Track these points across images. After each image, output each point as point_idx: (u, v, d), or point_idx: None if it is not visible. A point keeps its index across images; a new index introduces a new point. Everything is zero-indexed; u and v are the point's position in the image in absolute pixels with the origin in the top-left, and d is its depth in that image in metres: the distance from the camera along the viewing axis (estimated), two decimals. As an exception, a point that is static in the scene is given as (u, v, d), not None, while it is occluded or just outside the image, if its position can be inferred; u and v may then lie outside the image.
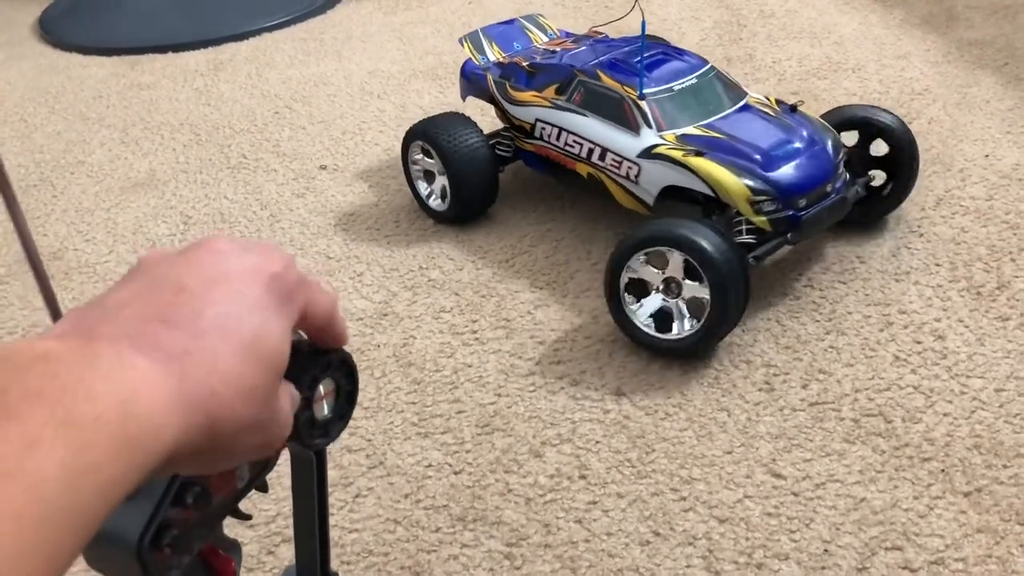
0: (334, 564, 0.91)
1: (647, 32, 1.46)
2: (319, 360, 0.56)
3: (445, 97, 1.89)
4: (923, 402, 1.06)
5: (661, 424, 1.07)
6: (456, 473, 1.03)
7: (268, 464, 0.60)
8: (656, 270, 1.14)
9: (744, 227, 1.19)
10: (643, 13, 1.29)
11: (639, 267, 1.15)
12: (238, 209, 1.57)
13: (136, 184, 1.68)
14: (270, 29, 2.31)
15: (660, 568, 0.91)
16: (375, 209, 1.54)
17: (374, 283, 1.36)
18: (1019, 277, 1.25)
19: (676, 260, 1.11)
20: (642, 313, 1.16)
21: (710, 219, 1.20)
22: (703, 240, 1.08)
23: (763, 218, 1.16)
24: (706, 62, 1.32)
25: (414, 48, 2.14)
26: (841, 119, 1.32)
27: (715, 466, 1.01)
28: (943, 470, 0.98)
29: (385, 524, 0.98)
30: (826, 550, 0.91)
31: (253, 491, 0.61)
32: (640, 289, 1.16)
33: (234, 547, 0.59)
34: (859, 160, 1.31)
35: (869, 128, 1.31)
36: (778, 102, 1.29)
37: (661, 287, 1.14)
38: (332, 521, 0.98)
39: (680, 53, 1.34)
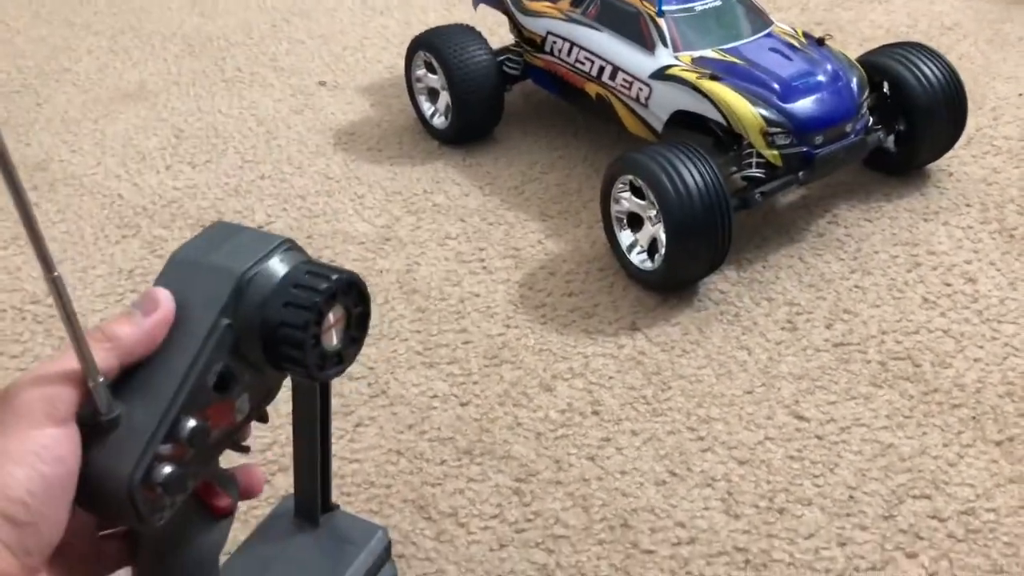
0: (334, 495, 0.87)
1: None
2: (321, 290, 0.50)
3: (451, 14, 1.80)
4: (953, 346, 1.02)
5: (678, 361, 1.02)
6: (463, 405, 0.98)
7: (270, 394, 0.54)
8: (642, 201, 1.08)
9: (754, 160, 1.13)
10: None
11: (626, 199, 1.10)
12: (232, 124, 1.49)
13: (125, 95, 1.60)
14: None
15: (676, 509, 0.87)
16: (377, 129, 1.46)
17: (376, 206, 1.29)
18: (1053, 221, 1.19)
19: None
20: (635, 246, 1.11)
21: (723, 151, 1.14)
22: (661, 172, 1.02)
23: (775, 152, 1.10)
24: None
25: (419, -37, 2.04)
26: (868, 64, 1.21)
27: (735, 406, 0.96)
28: (974, 417, 0.94)
29: (387, 455, 0.93)
30: (851, 496, 0.87)
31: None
32: (636, 221, 1.11)
33: (231, 482, 0.53)
34: (890, 108, 1.21)
35: (891, 80, 1.20)
36: (805, 35, 1.21)
37: (654, 217, 1.07)
38: (332, 451, 0.93)
39: None
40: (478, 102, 1.34)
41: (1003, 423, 0.93)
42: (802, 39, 1.20)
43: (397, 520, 0.87)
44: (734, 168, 1.15)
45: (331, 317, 0.52)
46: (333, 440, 0.94)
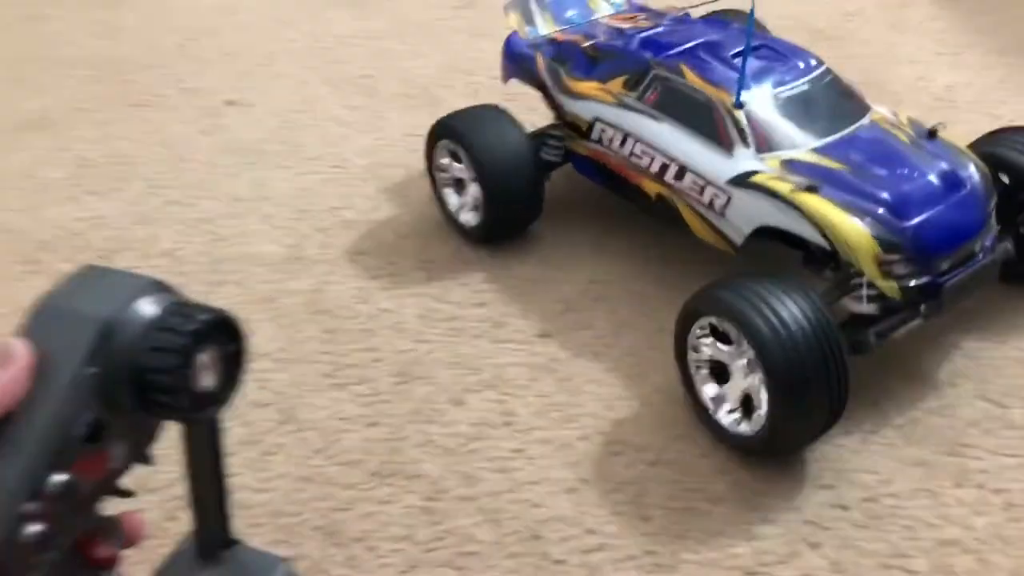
0: (241, 527, 0.85)
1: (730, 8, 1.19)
2: (188, 332, 0.49)
3: (361, 25, 1.78)
4: (856, 334, 1.03)
5: (588, 366, 1.02)
6: (372, 425, 0.97)
7: (148, 438, 0.53)
8: (728, 346, 0.87)
9: (865, 291, 0.90)
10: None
11: (707, 346, 0.89)
12: (139, 150, 1.46)
13: (28, 124, 1.56)
14: (174, -44, 2.15)
15: (586, 516, 0.87)
16: (286, 146, 1.44)
17: (285, 225, 1.27)
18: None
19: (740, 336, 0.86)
20: (723, 401, 0.90)
21: (817, 269, 0.96)
22: (756, 315, 0.81)
23: (893, 283, 0.88)
24: (820, 62, 1.03)
25: (329, -26, 2.02)
26: (989, 156, 0.99)
27: (644, 407, 0.97)
28: (875, 403, 0.95)
29: (296, 483, 0.92)
30: (758, 491, 0.87)
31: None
32: (723, 372, 0.89)
33: (114, 530, 0.52)
34: (1011, 207, 0.99)
35: (1005, 168, 0.99)
36: (911, 121, 1.00)
37: (745, 367, 0.86)
38: (238, 482, 0.91)
39: (787, 48, 1.03)
40: (513, 196, 1.14)
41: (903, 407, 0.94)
42: (909, 130, 0.98)
43: (307, 548, 0.86)
44: (838, 295, 0.92)
45: (204, 358, 0.51)
46: (241, 469, 0.93)
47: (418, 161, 1.26)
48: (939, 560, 0.81)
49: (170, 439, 0.51)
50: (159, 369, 0.49)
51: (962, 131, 1.34)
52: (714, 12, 1.25)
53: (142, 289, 0.53)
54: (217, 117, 1.53)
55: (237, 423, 0.97)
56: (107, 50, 1.77)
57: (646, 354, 1.03)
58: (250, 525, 0.88)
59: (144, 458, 0.55)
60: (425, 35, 1.73)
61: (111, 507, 0.50)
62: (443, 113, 1.20)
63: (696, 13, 1.24)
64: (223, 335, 0.55)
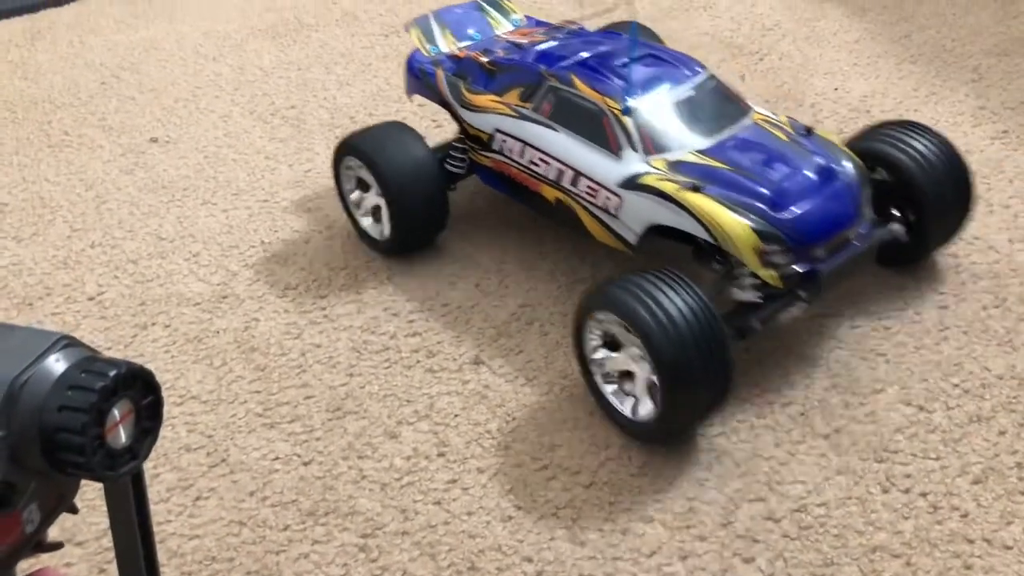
0: (174, 575, 0.83)
1: (626, 20, 1.23)
2: (97, 389, 0.48)
3: (286, 56, 1.77)
4: (777, 345, 1.05)
5: (521, 391, 1.03)
6: (306, 464, 0.96)
7: (63, 497, 0.51)
8: (620, 329, 0.92)
9: (748, 281, 0.95)
10: (636, 4, 1.12)
11: (597, 337, 0.94)
12: (60, 192, 1.43)
13: (-57, 171, 1.52)
14: (93, -9, 2.11)
15: (523, 544, 0.87)
16: (212, 182, 1.43)
17: (212, 263, 1.26)
18: (870, 210, 1.25)
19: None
20: (605, 370, 0.95)
21: (706, 263, 1.01)
22: (647, 315, 0.84)
23: (772, 272, 0.92)
24: (703, 68, 1.07)
25: (252, 5, 2.01)
26: (864, 150, 1.04)
27: (577, 430, 0.97)
28: (802, 413, 0.97)
29: (229, 527, 0.90)
30: (690, 508, 0.88)
31: (66, 513, 0.52)
32: (615, 343, 0.93)
33: None
34: (889, 196, 1.03)
35: (889, 165, 1.03)
36: (789, 120, 1.04)
37: (636, 357, 0.91)
38: (170, 529, 0.90)
39: (673, 57, 1.10)
40: (419, 209, 1.18)
41: (828, 415, 0.96)
42: (788, 128, 1.02)
43: (242, 594, 0.84)
44: (730, 290, 0.97)
45: (116, 413, 0.50)
46: (172, 516, 0.91)
47: (345, 192, 1.25)
48: (869, 567, 0.82)
49: (93, 489, 0.50)
50: (69, 428, 0.48)
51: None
52: (610, 25, 1.31)
53: (49, 346, 0.52)
54: (140, 155, 1.51)
55: (167, 468, 0.96)
56: (26, 90, 1.74)
57: (578, 377, 1.03)
58: (182, 573, 0.86)
59: (69, 508, 0.54)
60: (351, 64, 1.72)
61: (36, 562, 0.49)
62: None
63: (593, 26, 1.28)
64: (137, 388, 0.54)
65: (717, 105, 1.02)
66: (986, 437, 0.93)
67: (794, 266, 0.93)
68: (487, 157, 1.16)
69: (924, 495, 0.88)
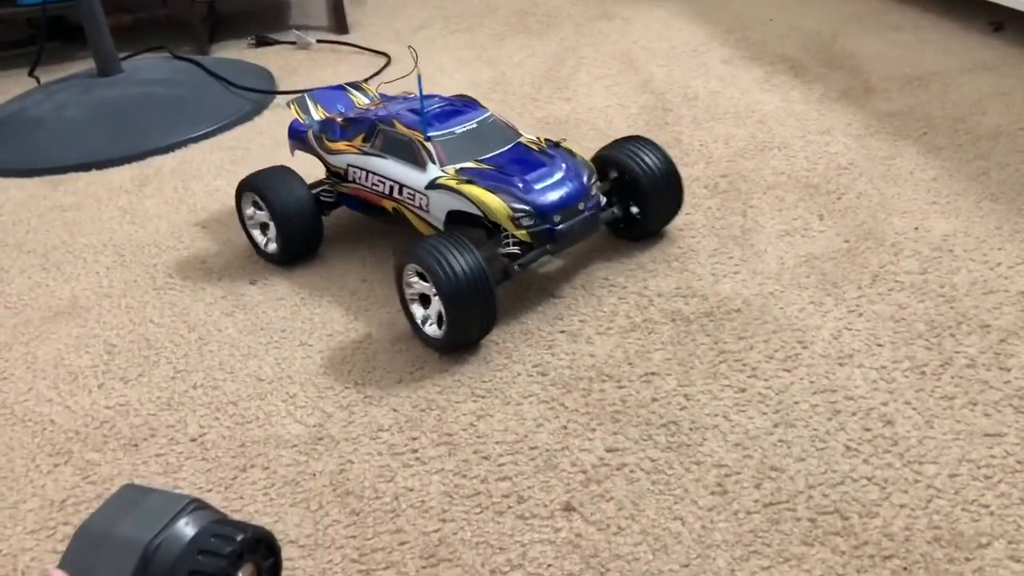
0: None
1: (463, 95, 1.70)
2: (226, 554, 0.51)
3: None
4: (878, 494, 1.04)
5: (614, 540, 1.03)
6: (401, 613, 0.97)
7: None
8: (427, 283, 1.33)
9: (511, 240, 1.39)
10: (419, 71, 1.55)
11: (416, 283, 1.35)
12: (164, 334, 1.51)
13: (57, 313, 1.62)
14: (196, 140, 2.28)
15: None
16: (308, 323, 1.49)
17: (308, 404, 1.30)
18: (960, 352, 1.24)
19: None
20: (427, 320, 1.37)
21: (491, 235, 1.42)
22: (433, 261, 1.29)
23: (523, 231, 1.38)
24: (486, 110, 1.54)
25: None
26: (606, 157, 1.54)
27: (672, 582, 0.96)
28: (905, 568, 0.95)
29: None
30: (794, 669, 0.86)
31: None
32: (427, 299, 1.36)
33: None
34: (622, 189, 1.53)
35: (622, 168, 1.52)
36: (546, 140, 1.50)
37: (434, 295, 1.33)
38: None
39: (467, 105, 1.57)
40: (300, 230, 1.61)
41: (934, 570, 0.94)
42: (543, 144, 1.49)
43: None
44: (498, 249, 1.41)
45: (240, 575, 0.53)
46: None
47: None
48: None
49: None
50: None
51: (962, 279, 1.38)
52: (458, 96, 1.72)
53: (181, 509, 0.56)
54: (240, 297, 1.59)
55: (266, 616, 0.97)
56: (134, 234, 1.85)
57: (669, 526, 1.03)
58: None
59: None
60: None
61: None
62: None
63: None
64: (259, 553, 0.57)
65: (493, 132, 1.51)
66: (1103, 598, 0.89)
67: (539, 227, 1.37)
68: (346, 187, 1.63)
69: None
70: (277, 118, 2.39)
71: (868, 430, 1.13)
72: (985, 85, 2.06)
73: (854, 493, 1.04)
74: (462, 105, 1.56)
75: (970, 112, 1.94)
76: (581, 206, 1.40)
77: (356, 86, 1.84)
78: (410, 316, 1.39)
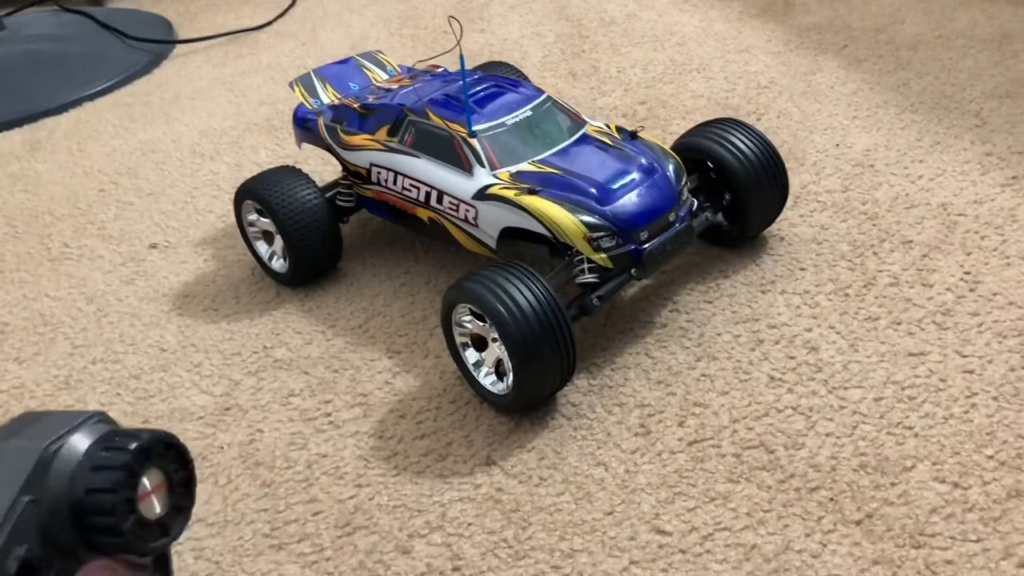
0: None
1: (492, 60, 1.45)
2: (131, 449, 0.47)
3: (282, 149, 1.77)
4: (804, 424, 1.01)
5: (536, 492, 0.99)
6: (316, 587, 0.92)
7: None
8: (483, 323, 1.05)
9: (586, 265, 1.12)
10: (461, 48, 1.20)
11: (468, 322, 1.08)
12: (61, 308, 1.42)
13: (-55, 293, 1.51)
14: (91, 97, 2.14)
15: (548, 664, 0.82)
16: (212, 286, 1.41)
17: (214, 373, 1.23)
18: (883, 271, 1.21)
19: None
20: (481, 365, 1.09)
21: (560, 257, 1.15)
22: (494, 299, 1.01)
23: (603, 255, 1.10)
24: (541, 92, 1.25)
25: (247, 99, 2.02)
26: (685, 147, 1.24)
27: (596, 532, 0.93)
28: (832, 498, 0.92)
29: (239, 664, 0.86)
30: (721, 613, 0.84)
31: None
32: (481, 342, 1.09)
33: None
34: (716, 185, 1.23)
35: (710, 160, 1.22)
36: (618, 129, 1.22)
37: (494, 339, 1.05)
38: (177, 671, 0.86)
39: (514, 84, 1.27)
40: (314, 244, 1.31)
41: (861, 499, 0.92)
42: (616, 134, 1.21)
43: None
44: (568, 272, 1.13)
45: (147, 482, 0.48)
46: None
47: (344, 291, 1.23)
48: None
49: None
50: (101, 488, 0.46)
51: (884, 194, 1.36)
52: (484, 64, 1.52)
53: (83, 420, 0.51)
54: (140, 263, 1.50)
55: (172, 603, 0.92)
56: (25, 203, 1.74)
57: (592, 472, 0.99)
58: None
59: None
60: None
61: None
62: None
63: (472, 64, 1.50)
64: (168, 459, 0.51)
65: (553, 122, 1.20)
66: (1028, 513, 0.88)
67: (622, 248, 1.09)
68: (368, 189, 1.33)
69: (968, 581, 0.83)
70: (176, 69, 2.26)
71: (792, 358, 1.10)
72: (904, -7, 2.02)
73: (779, 424, 1.01)
74: (509, 84, 1.26)
75: (890, 22, 1.90)
76: (672, 216, 1.12)
77: (371, 57, 1.51)
78: (461, 365, 1.11)
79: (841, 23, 1.92)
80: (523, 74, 1.54)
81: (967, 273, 1.18)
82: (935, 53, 1.74)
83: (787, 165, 1.45)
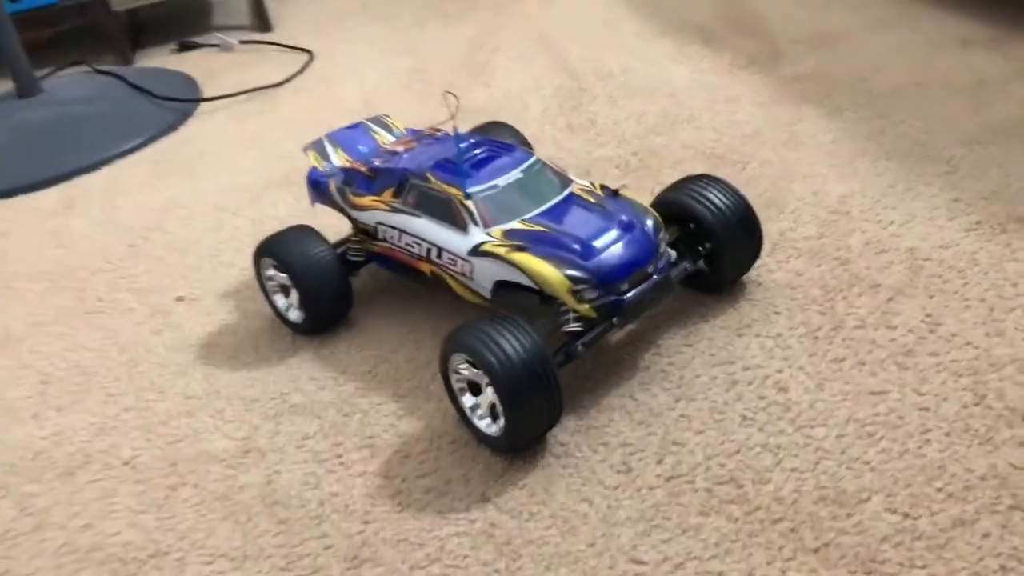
0: None
1: (494, 117, 1.59)
2: None
3: (299, 204, 1.89)
4: (771, 460, 1.10)
5: (525, 526, 1.08)
6: (326, 615, 1.02)
7: None
8: (477, 370, 1.15)
9: (571, 315, 1.22)
10: (455, 123, 1.31)
11: (464, 370, 1.18)
12: (96, 358, 1.54)
13: (-10, 345, 1.64)
14: (123, 155, 2.29)
15: None
16: (234, 337, 1.53)
17: (236, 418, 1.34)
18: (851, 314, 1.30)
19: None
20: (478, 411, 1.20)
21: (548, 307, 1.25)
22: (484, 349, 1.12)
23: (586, 306, 1.20)
24: (531, 155, 1.36)
25: (267, 155, 2.15)
26: (664, 203, 1.35)
27: (579, 562, 1.02)
28: (793, 529, 1.01)
29: None
30: (688, 635, 0.93)
31: None
32: (477, 387, 1.19)
33: None
34: (695, 236, 1.34)
35: (686, 215, 1.33)
36: (602, 187, 1.33)
37: (487, 385, 1.16)
38: None
39: (507, 148, 1.38)
40: (326, 296, 1.44)
41: (819, 529, 1.01)
42: (599, 192, 1.32)
43: None
44: (555, 321, 1.23)
45: None
46: None
47: (354, 342, 1.34)
48: None
49: None
50: None
51: (857, 240, 1.45)
52: (482, 126, 1.65)
53: None
54: (167, 315, 1.62)
55: (198, 631, 1.02)
56: (62, 259, 1.87)
57: (577, 507, 1.09)
58: None
59: None
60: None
61: None
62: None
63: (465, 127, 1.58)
64: None
65: (542, 182, 1.31)
66: (969, 541, 0.96)
67: (604, 299, 1.19)
68: (376, 245, 1.46)
69: (913, 604, 0.91)
70: (201, 126, 2.40)
71: (763, 398, 1.19)
72: (885, 42, 2.12)
73: (748, 461, 1.11)
74: (503, 148, 1.36)
75: (872, 70, 2.00)
76: (651, 268, 1.22)
77: (379, 121, 1.64)
78: (459, 409, 1.22)
79: (825, 72, 2.02)
80: (521, 135, 1.66)
81: (928, 315, 1.27)
82: (912, 101, 1.84)
83: (767, 213, 1.56)
